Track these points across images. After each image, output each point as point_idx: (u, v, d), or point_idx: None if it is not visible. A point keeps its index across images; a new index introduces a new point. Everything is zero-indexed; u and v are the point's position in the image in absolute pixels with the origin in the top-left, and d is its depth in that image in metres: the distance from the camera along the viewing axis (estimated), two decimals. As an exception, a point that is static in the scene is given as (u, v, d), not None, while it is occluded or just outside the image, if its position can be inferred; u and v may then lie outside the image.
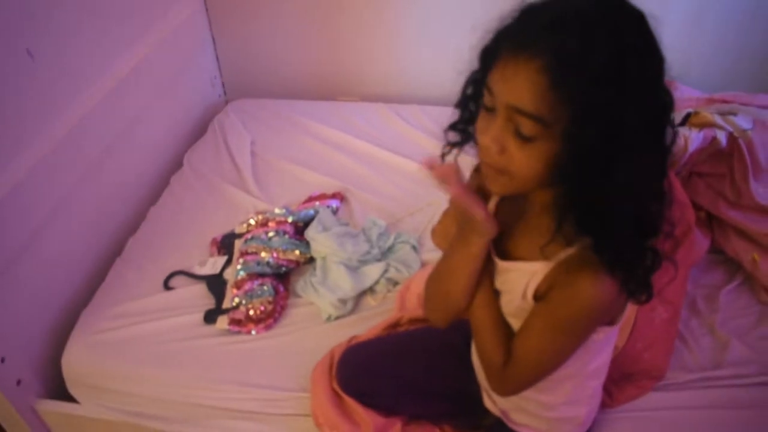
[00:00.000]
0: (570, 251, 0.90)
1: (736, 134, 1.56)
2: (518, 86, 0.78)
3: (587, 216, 0.84)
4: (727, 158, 1.59)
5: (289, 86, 2.41)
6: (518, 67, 0.78)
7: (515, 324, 1.02)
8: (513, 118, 0.80)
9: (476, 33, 0.87)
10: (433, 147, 2.06)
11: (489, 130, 0.83)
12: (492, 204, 1.05)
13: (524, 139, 0.81)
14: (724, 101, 1.73)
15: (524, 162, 0.83)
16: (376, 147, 2.11)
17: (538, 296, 0.95)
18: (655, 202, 0.85)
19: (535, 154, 0.81)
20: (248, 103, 2.35)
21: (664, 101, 0.81)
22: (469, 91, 0.94)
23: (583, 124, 0.76)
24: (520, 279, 0.97)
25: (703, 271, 1.68)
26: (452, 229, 1.02)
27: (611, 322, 0.99)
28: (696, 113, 1.63)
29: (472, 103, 0.95)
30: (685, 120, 1.66)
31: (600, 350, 1.06)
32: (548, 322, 0.93)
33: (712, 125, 1.58)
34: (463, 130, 0.99)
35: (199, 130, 2.25)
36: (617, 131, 0.76)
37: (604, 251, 0.85)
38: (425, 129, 2.18)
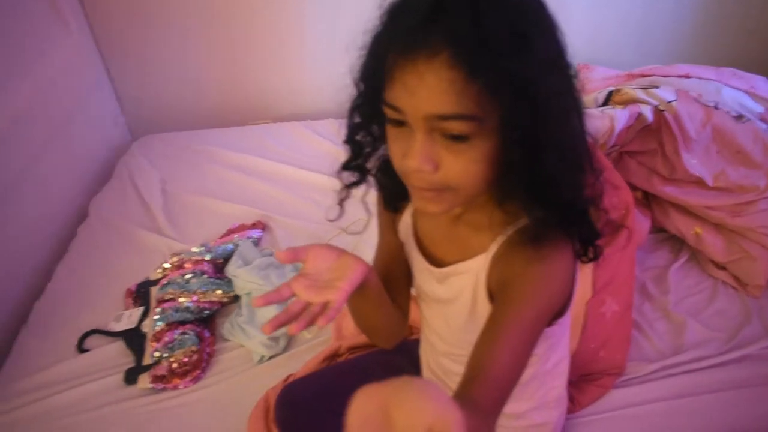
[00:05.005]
0: (507, 235, 0.83)
1: (661, 107, 1.50)
2: (430, 91, 0.68)
3: (533, 189, 0.76)
4: (655, 133, 1.54)
5: (197, 116, 2.30)
6: (420, 71, 0.68)
7: (468, 338, 0.91)
8: (437, 127, 0.70)
9: (349, 54, 0.77)
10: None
11: (412, 151, 0.72)
12: (407, 217, 0.97)
13: (458, 144, 0.71)
14: (643, 75, 1.68)
15: (467, 169, 0.73)
16: (294, 168, 2.01)
17: (491, 292, 0.85)
18: (587, 156, 0.78)
19: (476, 155, 0.72)
20: (155, 139, 2.22)
21: (565, 55, 0.74)
22: (357, 119, 0.84)
23: (515, 101, 0.68)
24: (465, 280, 0.88)
25: (648, 252, 1.62)
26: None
27: (561, 312, 0.89)
28: (617, 91, 1.57)
29: (362, 133, 0.85)
30: (608, 99, 1.59)
31: (556, 344, 0.98)
32: (526, 313, 0.79)
33: (635, 101, 1.52)
34: (358, 167, 0.89)
35: (106, 174, 2.10)
36: (543, 95, 0.69)
37: (556, 216, 0.77)
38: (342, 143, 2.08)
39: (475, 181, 0.74)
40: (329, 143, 2.11)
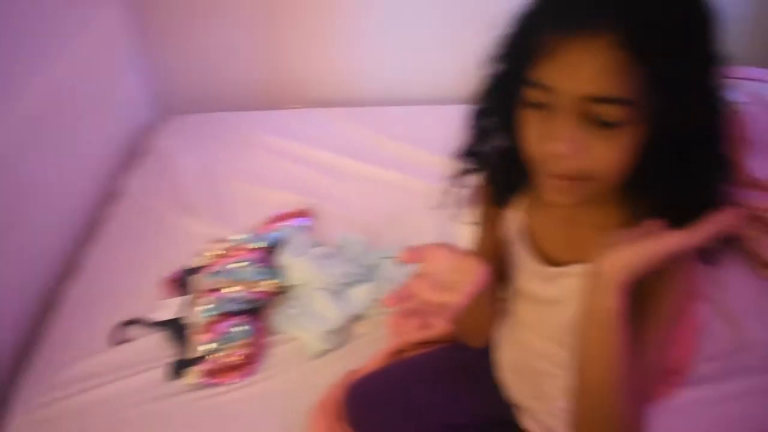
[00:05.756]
0: None
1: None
2: (592, 71, 0.66)
3: (675, 187, 0.74)
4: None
5: (232, 98, 2.22)
6: (584, 48, 0.66)
7: (565, 341, 0.88)
8: (587, 110, 0.68)
9: (487, 31, 0.76)
10: (396, 149, 1.96)
11: (557, 134, 0.70)
12: (515, 213, 0.95)
13: (607, 131, 0.69)
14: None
15: (611, 157, 0.71)
16: (337, 155, 1.95)
17: None
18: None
19: (623, 143, 0.70)
20: (190, 119, 2.14)
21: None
22: (486, 103, 0.83)
23: (678, 92, 0.66)
24: (579, 282, 0.82)
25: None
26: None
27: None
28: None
29: (487, 118, 0.84)
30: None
31: None
32: (665, 318, 0.81)
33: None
34: (476, 154, 0.89)
35: (136, 154, 2.01)
36: (705, 88, 0.69)
37: (693, 218, 0.73)
38: (385, 131, 2.05)
39: (617, 171, 0.73)
40: (370, 131, 2.06)
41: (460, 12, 1.96)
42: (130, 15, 2.02)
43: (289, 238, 1.56)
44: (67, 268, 1.63)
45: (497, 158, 0.89)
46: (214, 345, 1.36)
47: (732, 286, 1.53)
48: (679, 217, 0.74)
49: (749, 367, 1.36)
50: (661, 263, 0.71)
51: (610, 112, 0.67)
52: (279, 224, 1.65)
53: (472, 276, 0.82)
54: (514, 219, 0.95)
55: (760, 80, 1.64)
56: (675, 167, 0.72)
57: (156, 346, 1.41)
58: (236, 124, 2.10)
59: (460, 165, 0.91)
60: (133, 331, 1.45)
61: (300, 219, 1.67)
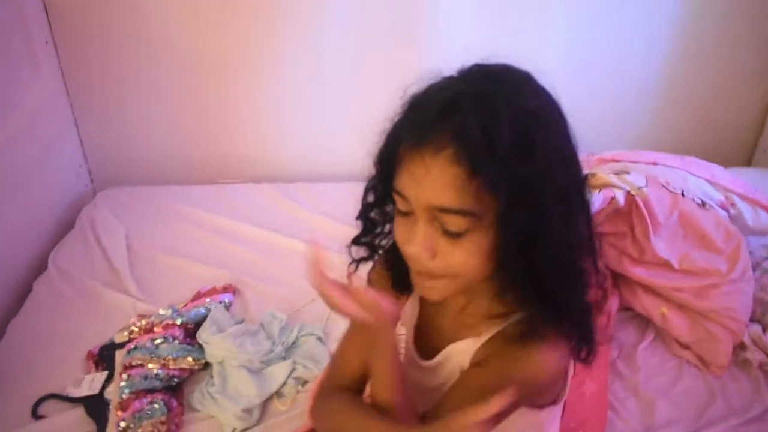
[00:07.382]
0: (500, 327, 0.85)
1: (633, 192, 1.58)
2: (434, 184, 0.72)
3: (530, 285, 0.77)
4: (626, 216, 1.60)
5: (163, 171, 2.23)
6: (427, 164, 0.71)
7: None
8: (437, 218, 0.74)
9: (366, 138, 0.81)
10: (326, 226, 1.98)
11: (413, 237, 0.76)
12: (415, 302, 0.99)
13: (455, 236, 0.74)
14: (615, 160, 1.76)
15: (464, 260, 0.76)
16: (266, 230, 1.97)
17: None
18: (586, 256, 0.81)
19: (472, 247, 0.75)
20: (120, 191, 2.14)
21: (575, 157, 0.78)
22: (371, 198, 0.88)
23: (512, 201, 0.71)
24: (453, 364, 0.90)
25: (616, 330, 1.65)
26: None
27: (555, 401, 0.92)
28: (593, 174, 1.63)
29: (375, 211, 0.89)
30: (582, 181, 1.66)
31: (546, 427, 0.98)
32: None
33: (609, 185, 1.59)
34: (368, 243, 0.92)
35: (65, 226, 2.00)
36: (543, 197, 0.72)
37: (552, 314, 0.79)
38: (315, 208, 2.09)
39: (472, 272, 0.78)
40: (299, 207, 2.09)
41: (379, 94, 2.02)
42: (64, 89, 2.05)
43: (211, 314, 1.57)
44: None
45: (392, 247, 0.91)
46: (129, 423, 1.36)
47: (645, 366, 1.58)
48: (541, 308, 0.78)
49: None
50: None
51: (454, 221, 0.73)
52: (203, 300, 1.65)
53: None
54: (411, 307, 0.99)
55: (653, 163, 1.71)
56: (520, 265, 0.75)
57: (74, 423, 1.40)
58: (166, 198, 2.11)
59: (358, 252, 0.93)
60: (51, 406, 1.43)
61: (223, 294, 1.68)
